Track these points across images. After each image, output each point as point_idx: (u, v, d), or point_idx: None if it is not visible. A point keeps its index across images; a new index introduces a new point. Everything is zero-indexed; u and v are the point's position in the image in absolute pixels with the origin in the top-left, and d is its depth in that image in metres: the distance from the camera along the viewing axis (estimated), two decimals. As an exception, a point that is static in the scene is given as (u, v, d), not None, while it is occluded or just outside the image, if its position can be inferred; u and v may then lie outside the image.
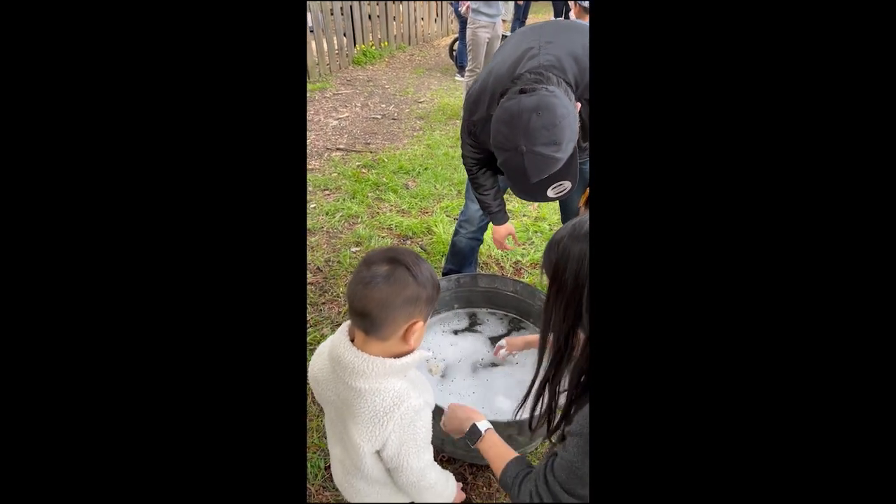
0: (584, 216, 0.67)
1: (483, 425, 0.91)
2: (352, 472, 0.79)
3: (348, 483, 0.82)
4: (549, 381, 0.77)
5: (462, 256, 1.76)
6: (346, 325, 0.76)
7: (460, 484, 0.92)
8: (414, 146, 3.38)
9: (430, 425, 0.76)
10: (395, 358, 0.71)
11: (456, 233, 1.74)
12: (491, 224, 1.56)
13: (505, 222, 1.53)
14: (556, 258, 0.68)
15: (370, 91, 4.53)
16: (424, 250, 2.20)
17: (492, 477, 1.30)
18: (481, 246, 2.07)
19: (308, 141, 3.40)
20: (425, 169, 2.97)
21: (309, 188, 2.73)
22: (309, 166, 3.02)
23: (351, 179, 2.81)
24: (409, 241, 2.27)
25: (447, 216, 2.44)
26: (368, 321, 0.69)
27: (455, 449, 1.29)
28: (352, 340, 0.73)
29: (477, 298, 1.68)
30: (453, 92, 4.67)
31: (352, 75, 5.03)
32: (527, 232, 2.35)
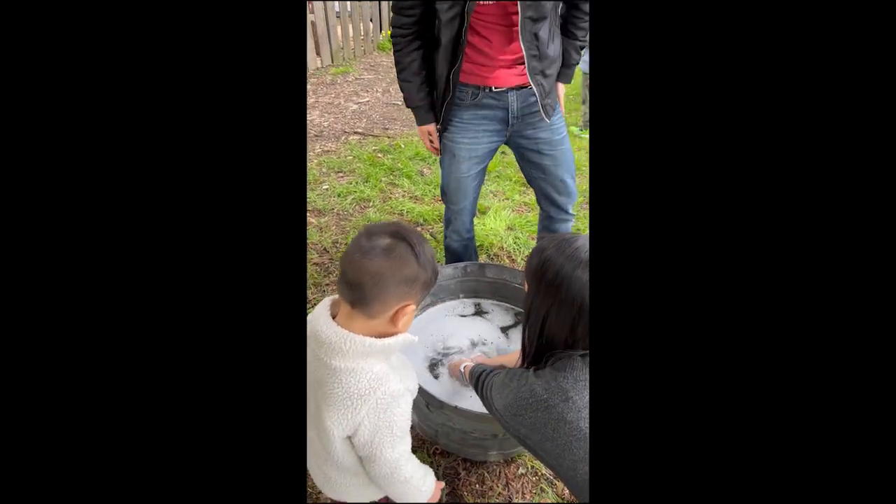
0: (571, 236, 0.76)
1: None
2: (323, 458, 0.73)
3: (319, 469, 0.77)
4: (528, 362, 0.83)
5: (457, 257, 1.68)
6: (328, 299, 0.71)
7: (441, 483, 0.85)
8: (432, 134, 3.31)
9: (409, 414, 0.70)
10: (378, 338, 0.66)
11: (446, 237, 1.65)
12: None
13: (429, 122, 1.39)
14: (537, 264, 0.76)
15: (393, 77, 4.47)
16: (434, 238, 2.15)
17: (485, 474, 1.24)
18: (490, 237, 2.00)
19: (326, 123, 3.37)
20: (435, 160, 2.90)
21: (323, 170, 2.70)
22: (325, 148, 2.99)
23: (366, 163, 2.77)
24: (419, 228, 2.22)
25: (460, 205, 2.38)
26: (358, 293, 0.64)
27: (448, 442, 1.24)
28: (334, 317, 0.68)
29: (483, 289, 1.62)
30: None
31: (376, 61, 4.99)
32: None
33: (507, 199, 2.51)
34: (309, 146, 3.02)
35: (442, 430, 1.20)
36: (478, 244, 2.04)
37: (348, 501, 0.81)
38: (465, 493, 1.19)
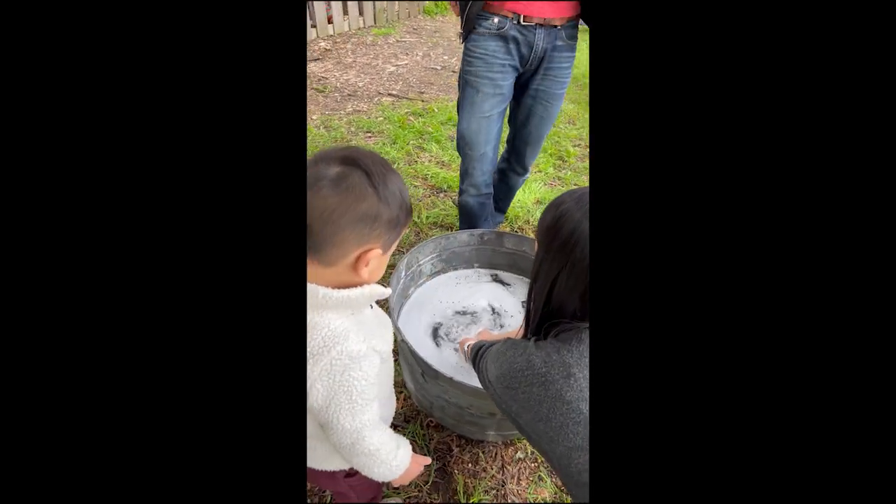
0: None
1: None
2: None
3: None
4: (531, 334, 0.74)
5: (473, 216, 1.58)
6: None
7: (425, 459, 0.76)
8: (469, 100, 3.16)
9: (374, 379, 0.59)
10: (337, 289, 0.55)
11: (461, 192, 1.55)
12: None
13: None
14: (550, 221, 0.66)
15: (435, 42, 4.30)
16: (456, 205, 2.03)
17: (480, 454, 1.15)
18: (512, 204, 1.88)
19: (361, 84, 3.28)
20: (476, 124, 2.76)
21: (352, 129, 2.62)
22: (357, 108, 2.91)
23: (396, 125, 2.66)
24: (442, 194, 2.11)
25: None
26: (310, 237, 0.53)
27: (444, 416, 1.15)
28: None
29: (500, 260, 1.50)
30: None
31: (419, 24, 4.81)
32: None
33: (541, 171, 2.36)
34: (342, 104, 2.94)
35: (437, 403, 1.12)
36: (504, 219, 1.91)
37: (315, 468, 0.73)
38: (456, 470, 1.11)
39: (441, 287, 1.46)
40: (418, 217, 1.92)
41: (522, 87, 1.38)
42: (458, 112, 1.40)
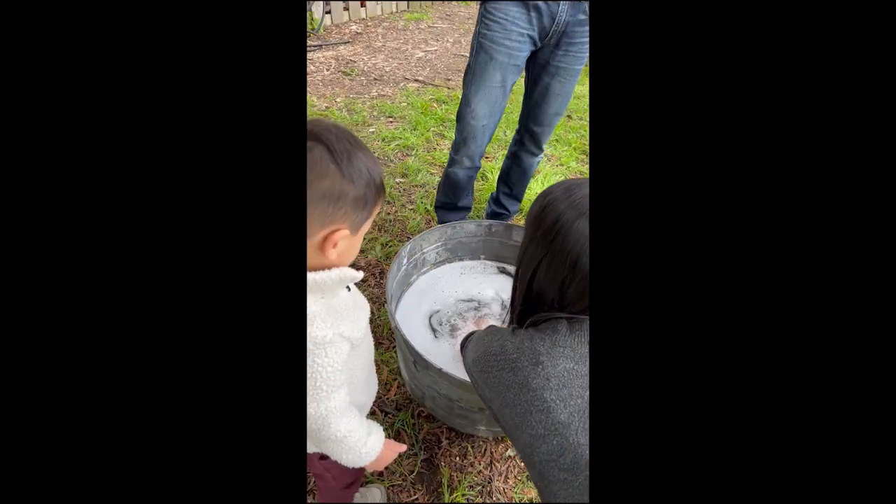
0: (584, 180, 0.64)
1: None
2: None
3: None
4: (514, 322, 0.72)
5: (459, 189, 1.54)
6: None
7: (399, 447, 0.75)
8: (496, 89, 3.10)
9: (341, 365, 0.58)
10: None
11: (451, 163, 1.50)
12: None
13: None
14: (537, 210, 0.64)
15: (467, 28, 4.23)
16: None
17: (469, 448, 1.13)
18: (526, 197, 1.83)
19: (388, 69, 3.26)
20: (500, 113, 2.70)
21: (374, 113, 2.61)
22: (381, 93, 2.89)
23: (418, 111, 2.64)
24: (458, 183, 2.08)
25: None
26: None
27: (435, 407, 1.14)
28: None
29: (508, 252, 1.46)
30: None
31: (452, 10, 4.74)
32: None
33: (562, 164, 2.29)
34: (367, 88, 2.93)
35: (429, 394, 1.10)
36: (520, 209, 1.87)
37: None
38: (443, 463, 1.10)
39: (445, 276, 1.43)
40: (431, 204, 1.90)
41: (540, 62, 1.32)
42: (465, 77, 1.34)
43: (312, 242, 0.54)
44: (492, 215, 1.76)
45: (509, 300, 0.75)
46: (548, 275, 0.62)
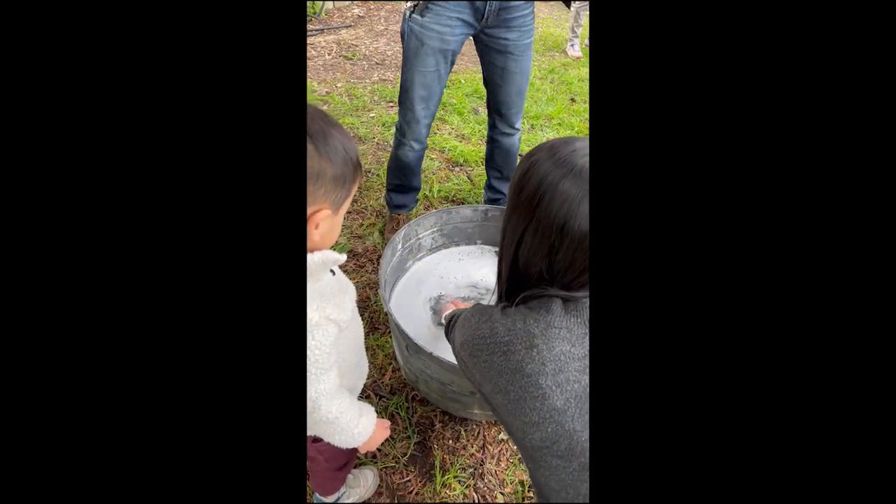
0: (571, 137, 0.59)
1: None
2: None
3: None
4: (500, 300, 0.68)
5: (409, 170, 1.53)
6: None
7: (386, 424, 0.75)
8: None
9: (330, 348, 0.59)
10: None
11: (399, 146, 1.47)
12: None
13: None
14: (521, 173, 0.59)
15: (472, 10, 4.16)
16: (471, 181, 1.99)
17: (462, 431, 1.14)
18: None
19: (391, 52, 3.22)
20: (501, 97, 2.67)
21: (375, 98, 2.59)
22: (383, 77, 2.86)
23: (419, 96, 2.61)
24: (457, 168, 2.06)
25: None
26: None
27: (428, 391, 1.15)
28: None
29: (505, 238, 1.46)
30: (562, 23, 4.13)
31: (457, -8, 4.66)
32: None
33: (564, 149, 2.26)
34: (369, 73, 2.90)
35: (422, 377, 1.11)
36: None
37: None
38: (435, 445, 1.11)
39: (443, 261, 1.43)
40: (429, 190, 1.89)
41: (487, 44, 1.30)
42: (402, 63, 1.32)
43: None
44: (489, 201, 1.75)
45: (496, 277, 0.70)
46: (533, 243, 0.57)
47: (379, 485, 1.03)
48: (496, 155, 1.62)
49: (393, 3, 4.08)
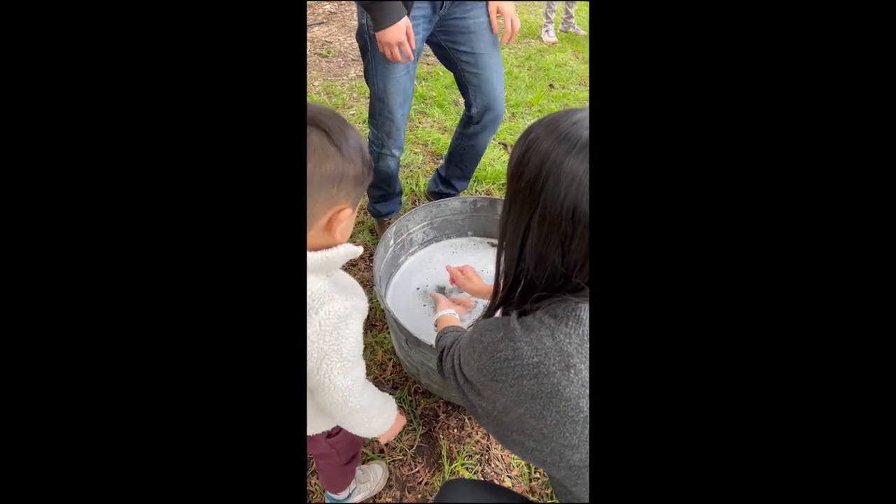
0: (571, 109, 0.51)
1: (445, 311, 0.96)
2: None
3: None
4: (504, 304, 0.60)
5: (392, 178, 1.49)
6: None
7: (403, 416, 0.77)
8: (476, 63, 3.04)
9: (360, 336, 0.61)
10: (314, 252, 0.56)
11: (379, 158, 1.40)
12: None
13: (401, 18, 1.09)
14: (518, 156, 0.51)
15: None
16: (457, 172, 1.99)
17: (466, 420, 1.16)
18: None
19: (366, 47, 3.19)
20: (481, 87, 2.67)
21: (353, 94, 2.56)
22: (360, 73, 2.83)
23: (398, 90, 2.59)
24: (441, 161, 2.06)
25: (491, 139, 2.18)
26: None
27: (430, 383, 1.16)
28: None
29: (494, 228, 1.47)
30: (536, 9, 4.13)
31: (429, -17, 4.61)
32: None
33: (546, 136, 2.28)
34: (345, 70, 2.87)
35: (423, 370, 1.13)
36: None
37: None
38: (441, 435, 1.13)
39: (437, 254, 1.44)
40: (416, 185, 1.89)
41: (452, 28, 1.25)
42: (365, 75, 1.27)
43: (319, 224, 0.55)
44: (438, 196, 1.68)
45: (494, 279, 0.62)
46: (542, 234, 0.49)
47: (388, 478, 1.05)
48: (466, 152, 1.54)
49: (364, -4, 4.03)
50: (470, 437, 1.13)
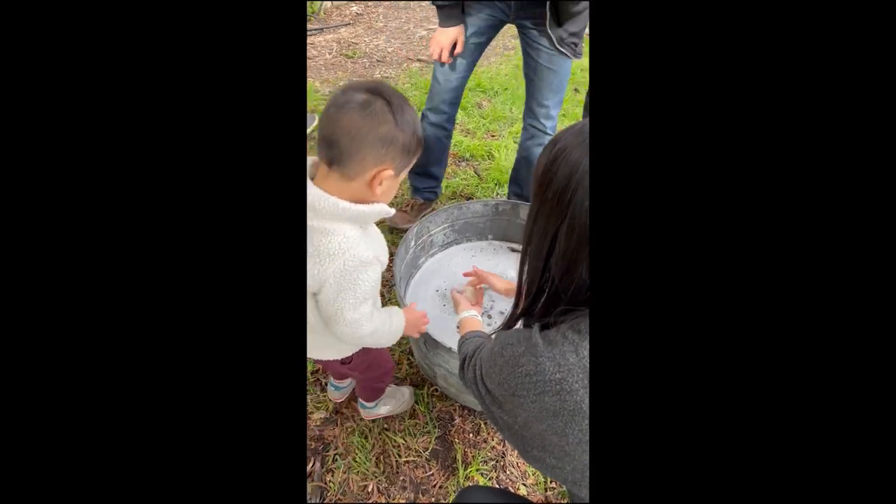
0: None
1: (467, 312, 0.95)
2: None
3: None
4: (527, 314, 0.59)
5: (428, 150, 1.50)
6: (308, 160, 0.69)
7: (420, 313, 0.91)
8: (501, 65, 3.04)
9: (377, 283, 0.72)
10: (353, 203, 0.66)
11: (421, 118, 1.46)
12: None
13: (456, 24, 1.24)
14: (545, 163, 0.51)
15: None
16: (478, 175, 1.99)
17: (482, 425, 1.15)
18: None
19: (391, 49, 3.21)
20: (505, 89, 2.66)
21: (378, 96, 2.58)
22: (384, 74, 2.86)
23: (422, 91, 2.60)
24: (464, 163, 2.06)
25: (515, 142, 2.17)
26: (335, 150, 0.63)
27: (447, 386, 1.16)
28: (312, 178, 0.69)
29: (516, 232, 1.46)
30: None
31: (455, -15, 4.62)
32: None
33: (570, 140, 2.25)
34: (370, 71, 2.90)
35: (440, 373, 1.12)
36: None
37: (318, 358, 0.85)
38: (457, 440, 1.12)
39: (457, 257, 1.44)
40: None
41: (522, 35, 1.31)
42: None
43: (364, 178, 0.65)
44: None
45: (516, 289, 0.61)
46: (570, 246, 0.48)
47: (402, 479, 1.05)
48: (522, 169, 1.56)
49: (391, 1, 4.07)
50: (486, 442, 1.12)
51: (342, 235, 0.65)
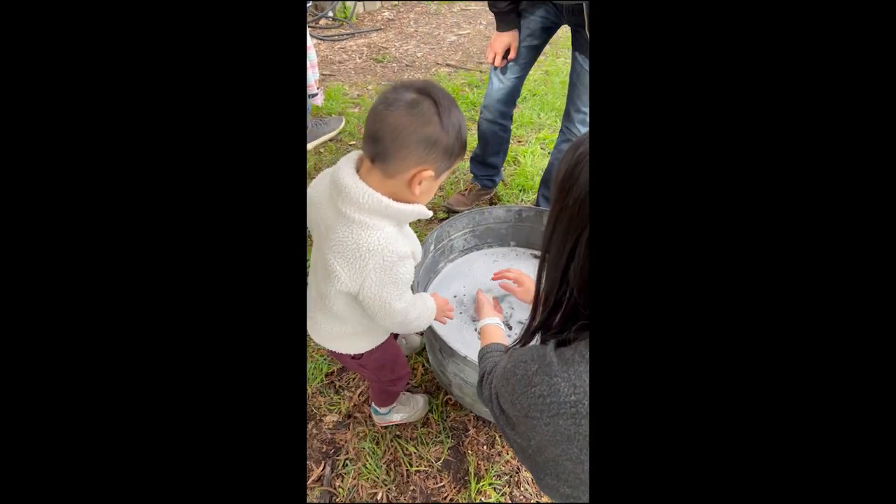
0: None
1: (491, 319, 0.93)
2: (315, 301, 0.78)
3: (309, 313, 0.81)
4: (543, 328, 0.56)
5: (484, 141, 1.59)
6: (355, 153, 0.70)
7: (444, 300, 0.95)
8: (531, 71, 3.00)
9: (412, 275, 0.73)
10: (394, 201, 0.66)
11: (481, 112, 1.56)
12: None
13: (510, 30, 1.30)
14: (566, 168, 0.48)
15: (501, 9, 4.11)
16: (503, 181, 1.95)
17: (496, 437, 1.12)
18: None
19: (420, 54, 3.23)
20: (534, 95, 2.62)
21: (405, 100, 2.59)
22: (413, 78, 2.87)
23: (449, 96, 2.60)
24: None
25: (541, 148, 2.13)
26: (379, 146, 0.63)
27: (462, 395, 1.13)
28: (357, 171, 0.68)
29: (539, 239, 1.42)
30: (596, 18, 4.03)
31: (487, -9, 4.62)
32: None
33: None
34: (399, 74, 2.92)
35: (455, 381, 1.09)
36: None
37: (331, 348, 0.85)
38: (470, 451, 1.09)
39: (477, 262, 1.41)
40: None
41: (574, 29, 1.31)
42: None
43: (404, 177, 0.65)
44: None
45: (533, 299, 0.58)
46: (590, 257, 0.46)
47: (413, 489, 1.02)
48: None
49: (423, 4, 4.10)
50: (500, 455, 1.08)
51: (382, 231, 0.66)
